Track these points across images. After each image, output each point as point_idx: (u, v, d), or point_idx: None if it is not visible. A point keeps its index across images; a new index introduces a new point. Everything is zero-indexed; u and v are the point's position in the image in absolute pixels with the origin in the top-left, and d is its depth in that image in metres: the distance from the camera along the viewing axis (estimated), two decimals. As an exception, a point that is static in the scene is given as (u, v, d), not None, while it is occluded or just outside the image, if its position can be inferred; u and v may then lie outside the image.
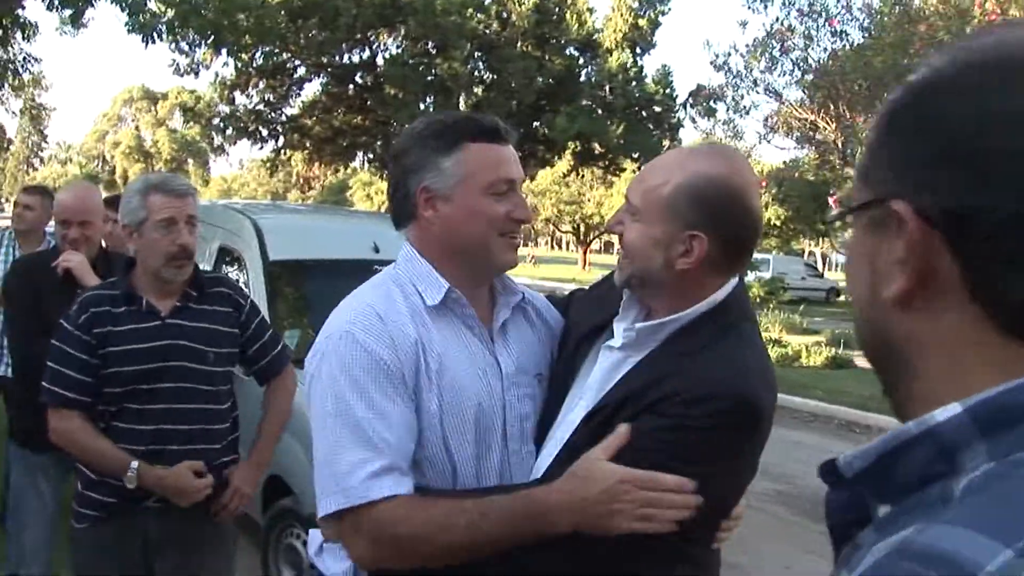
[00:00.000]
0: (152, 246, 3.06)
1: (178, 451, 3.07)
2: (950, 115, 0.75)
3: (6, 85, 21.99)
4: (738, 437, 1.83)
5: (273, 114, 25.29)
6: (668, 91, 25.76)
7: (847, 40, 12.24)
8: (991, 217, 0.71)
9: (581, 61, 25.34)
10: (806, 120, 11.68)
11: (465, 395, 1.97)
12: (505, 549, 1.80)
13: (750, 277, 27.13)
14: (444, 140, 2.00)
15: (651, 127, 25.87)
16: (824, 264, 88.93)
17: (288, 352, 3.65)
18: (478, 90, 23.95)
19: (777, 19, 12.74)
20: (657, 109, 25.75)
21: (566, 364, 2.14)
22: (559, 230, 72.48)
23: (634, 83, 25.17)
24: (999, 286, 0.72)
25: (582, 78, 25.13)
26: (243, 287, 4.15)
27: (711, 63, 13.23)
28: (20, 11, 14.19)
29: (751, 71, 12.92)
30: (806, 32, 12.34)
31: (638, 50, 25.68)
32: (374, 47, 23.65)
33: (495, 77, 23.77)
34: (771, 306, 22.01)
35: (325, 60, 23.15)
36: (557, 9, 23.76)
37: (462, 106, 22.39)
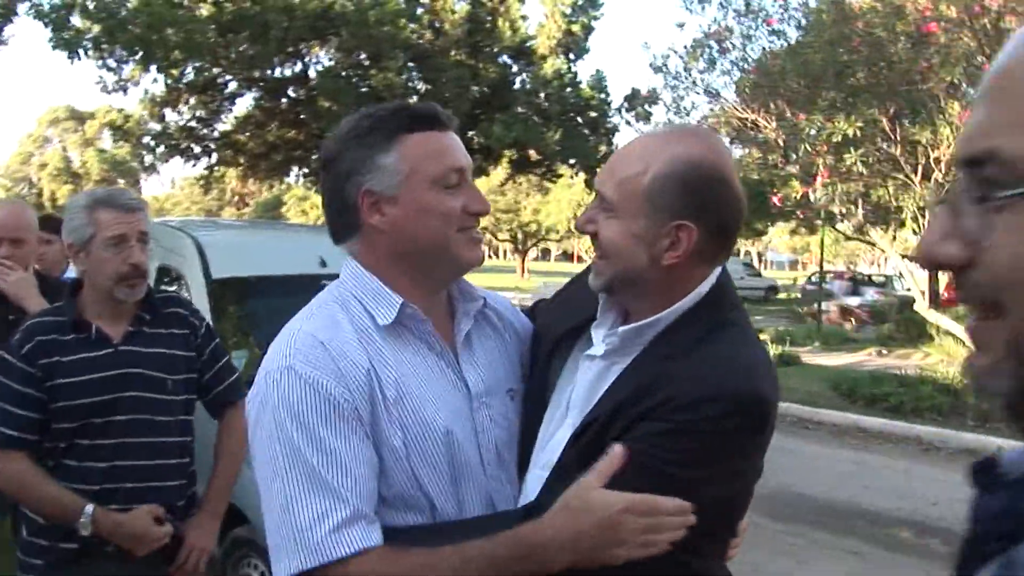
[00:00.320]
0: (101, 266, 2.84)
1: (134, 489, 2.86)
2: None
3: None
4: (746, 439, 1.69)
5: (205, 130, 24.81)
6: (603, 96, 25.78)
7: (785, 39, 12.34)
8: None
9: (515, 69, 25.24)
10: (746, 120, 11.68)
11: (432, 424, 1.78)
12: None
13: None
14: (379, 136, 1.82)
15: (587, 132, 25.84)
16: (760, 263, 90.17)
17: (241, 383, 3.37)
18: (412, 100, 23.75)
19: (715, 19, 12.78)
20: (593, 114, 25.71)
21: (541, 378, 1.97)
22: (496, 239, 72.58)
23: (569, 89, 25.10)
24: None
25: (516, 86, 25.02)
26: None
27: (650, 65, 13.22)
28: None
29: (690, 72, 12.92)
30: (744, 32, 12.40)
31: (572, 56, 25.67)
32: (306, 60, 23.35)
33: (429, 87, 23.60)
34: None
35: (257, 74, 22.76)
36: (490, 17, 23.68)
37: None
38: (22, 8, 16.86)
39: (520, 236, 65.36)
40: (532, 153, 25.57)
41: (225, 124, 25.17)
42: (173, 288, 5.61)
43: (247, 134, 24.90)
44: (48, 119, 79.77)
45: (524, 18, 24.56)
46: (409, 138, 1.82)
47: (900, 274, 27.45)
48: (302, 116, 23.54)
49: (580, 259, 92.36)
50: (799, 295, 36.63)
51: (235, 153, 25.22)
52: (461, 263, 1.89)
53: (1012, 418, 0.71)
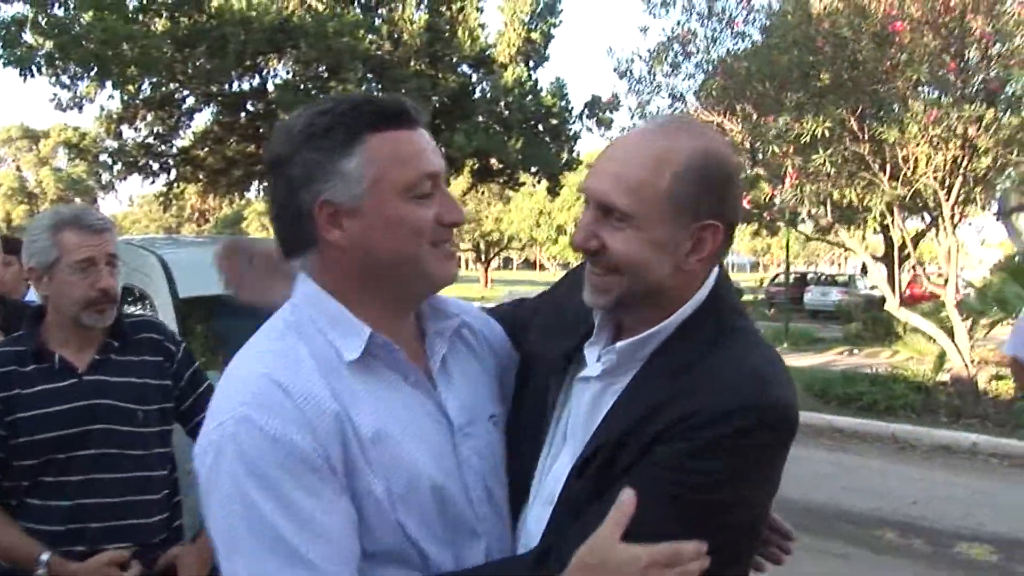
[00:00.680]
0: (66, 291, 2.64)
1: (102, 529, 2.65)
2: None
3: None
4: (774, 449, 1.54)
5: (163, 147, 24.63)
6: (564, 103, 25.76)
7: (749, 40, 12.30)
8: None
9: (475, 78, 25.18)
10: (711, 123, 11.63)
11: (416, 468, 1.56)
12: None
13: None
14: (338, 136, 1.55)
15: (548, 140, 25.81)
16: (729, 267, 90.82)
17: None
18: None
19: (679, 23, 12.72)
20: (554, 122, 25.69)
21: (530, 403, 1.78)
22: (459, 249, 72.48)
23: (530, 97, 25.09)
24: None
25: (477, 94, 24.96)
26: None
27: (614, 70, 13.13)
28: None
29: (654, 76, 12.86)
30: (708, 35, 12.37)
31: (532, 64, 25.64)
32: (264, 73, 23.15)
33: (389, 97, 23.44)
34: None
35: (215, 89, 22.55)
36: (448, 27, 23.58)
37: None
38: (-28, 26, 16.59)
39: (482, 246, 65.23)
40: (494, 162, 25.54)
41: (183, 140, 25.00)
42: (138, 308, 5.43)
43: (206, 149, 24.72)
44: (1, 138, 78.78)
45: (483, 27, 24.56)
46: (374, 138, 1.56)
47: (864, 272, 27.64)
48: (261, 130, 23.32)
49: (542, 267, 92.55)
50: (763, 296, 36.69)
51: (194, 169, 25.01)
52: (435, 281, 1.66)
53: None
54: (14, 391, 2.60)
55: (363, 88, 22.32)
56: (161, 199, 27.01)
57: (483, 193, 45.45)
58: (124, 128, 24.04)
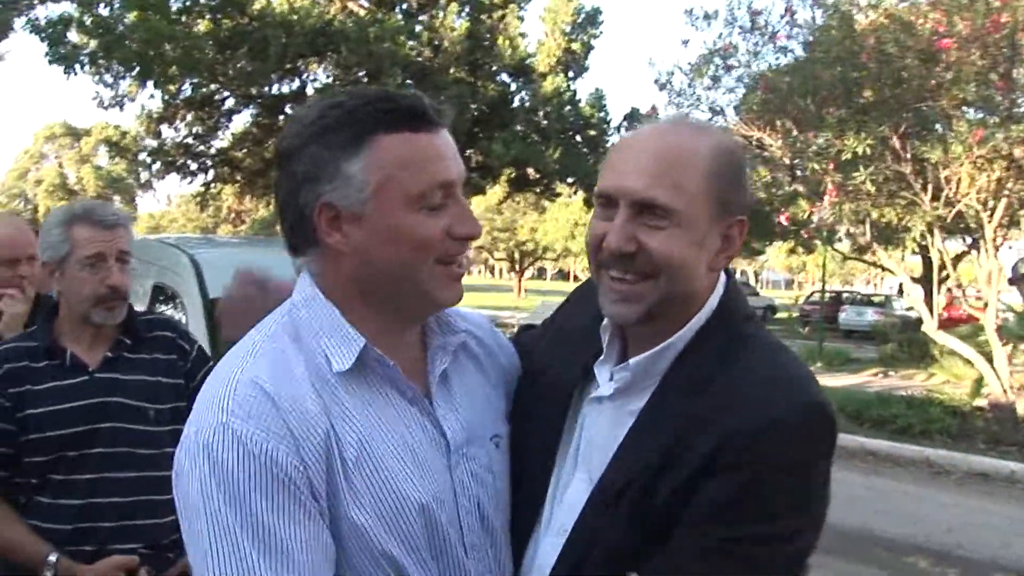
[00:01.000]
0: (77, 286, 2.61)
1: (112, 528, 2.60)
2: None
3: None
4: (823, 458, 1.45)
5: (202, 147, 24.76)
6: (603, 114, 25.70)
7: (791, 55, 12.19)
8: None
9: (514, 87, 25.16)
10: (752, 138, 11.51)
11: (402, 491, 1.44)
12: None
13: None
14: (346, 134, 1.45)
15: (586, 151, 25.74)
16: (757, 282, 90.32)
17: None
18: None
19: (720, 35, 12.64)
20: (592, 132, 25.63)
21: (543, 425, 1.67)
22: (493, 257, 72.57)
23: (568, 107, 25.03)
24: None
25: (516, 103, 24.93)
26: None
27: (655, 81, 13.08)
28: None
29: (694, 89, 12.77)
30: (750, 49, 12.27)
31: (571, 74, 25.59)
32: (304, 77, 23.25)
33: (428, 104, 23.45)
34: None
35: (255, 91, 22.67)
36: (489, 35, 23.59)
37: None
38: (19, 23, 16.82)
39: (517, 255, 65.31)
40: (531, 171, 25.47)
41: (222, 141, 25.14)
42: (168, 307, 5.43)
43: (244, 151, 24.81)
44: (45, 135, 79.76)
45: (523, 36, 24.54)
46: (385, 140, 1.45)
47: (900, 293, 27.33)
48: (300, 133, 23.38)
49: (576, 278, 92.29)
50: (798, 314, 36.39)
51: (232, 170, 25.13)
52: (435, 303, 1.56)
53: None
54: (25, 387, 2.56)
55: (402, 94, 22.40)
56: (198, 199, 27.22)
57: (519, 202, 45.44)
58: (164, 127, 24.19)
